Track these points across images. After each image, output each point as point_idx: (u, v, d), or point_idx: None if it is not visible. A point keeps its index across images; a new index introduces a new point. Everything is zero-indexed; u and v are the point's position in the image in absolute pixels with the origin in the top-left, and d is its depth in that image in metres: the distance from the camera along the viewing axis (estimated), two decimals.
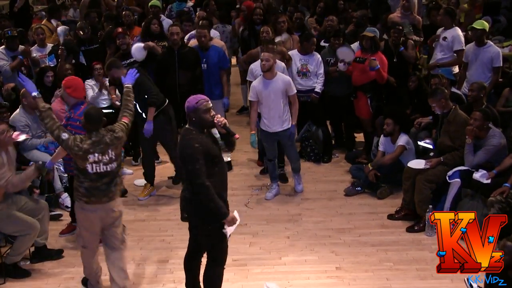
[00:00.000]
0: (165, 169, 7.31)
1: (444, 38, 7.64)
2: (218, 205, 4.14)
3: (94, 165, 4.47)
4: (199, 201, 4.13)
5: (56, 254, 5.48)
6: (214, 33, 8.30)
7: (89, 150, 4.43)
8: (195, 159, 4.05)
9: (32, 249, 5.44)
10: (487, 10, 10.83)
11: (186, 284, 4.68)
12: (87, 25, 8.35)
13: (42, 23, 9.57)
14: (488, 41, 7.35)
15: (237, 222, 4.33)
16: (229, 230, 4.27)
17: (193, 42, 7.64)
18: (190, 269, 4.62)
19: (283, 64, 6.84)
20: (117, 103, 7.15)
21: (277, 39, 7.53)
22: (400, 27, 7.62)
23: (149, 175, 6.81)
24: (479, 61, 7.11)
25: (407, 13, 8.63)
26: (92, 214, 4.56)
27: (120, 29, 7.34)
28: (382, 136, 6.76)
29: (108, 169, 4.52)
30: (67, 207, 6.41)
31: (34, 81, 7.24)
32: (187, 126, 4.24)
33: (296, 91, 6.43)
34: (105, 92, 7.45)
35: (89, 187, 4.50)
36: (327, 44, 7.84)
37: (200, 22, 8.06)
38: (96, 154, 4.44)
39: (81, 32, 8.15)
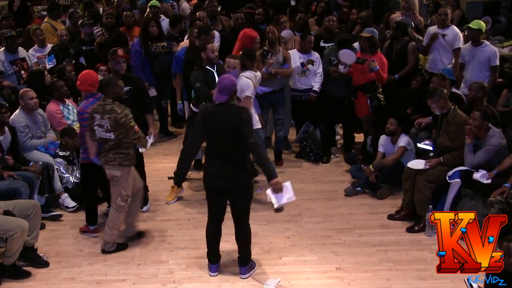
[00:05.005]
0: (164, 170, 7.31)
1: (443, 36, 7.66)
2: (269, 162, 4.94)
3: (99, 128, 5.26)
4: (245, 165, 4.83)
5: (42, 264, 5.34)
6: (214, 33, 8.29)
7: (95, 109, 5.30)
8: (250, 122, 4.80)
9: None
10: (487, 10, 10.85)
11: (211, 255, 5.14)
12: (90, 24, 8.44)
13: (45, 21, 9.57)
14: (484, 40, 7.36)
15: (285, 195, 4.84)
16: (272, 196, 4.85)
17: (184, 43, 7.63)
18: (217, 238, 5.12)
19: (257, 74, 6.64)
20: None
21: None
22: (395, 24, 7.66)
23: (183, 175, 6.53)
24: (476, 60, 7.13)
25: (408, 13, 8.64)
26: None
27: (121, 52, 6.12)
28: (382, 136, 6.76)
29: (107, 137, 5.27)
30: (67, 207, 6.41)
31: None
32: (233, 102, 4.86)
33: (246, 95, 6.10)
34: None
35: (100, 148, 5.45)
36: (326, 45, 7.84)
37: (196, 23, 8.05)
38: (98, 115, 5.23)
39: (81, 28, 8.29)
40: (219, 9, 9.45)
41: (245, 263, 5.10)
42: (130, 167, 5.44)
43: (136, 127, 5.35)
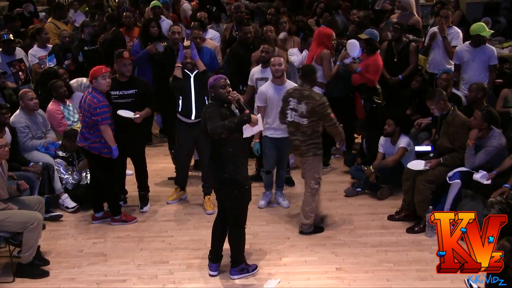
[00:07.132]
0: (165, 170, 7.32)
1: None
2: (236, 120, 4.79)
3: (292, 112, 5.56)
4: (225, 171, 4.81)
5: (43, 261, 5.34)
6: (213, 33, 8.30)
7: (291, 93, 5.62)
8: (212, 117, 4.73)
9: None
10: (487, 10, 10.85)
11: (213, 253, 5.15)
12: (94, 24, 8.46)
13: (48, 20, 9.57)
14: None
15: (259, 125, 5.05)
16: (249, 130, 4.93)
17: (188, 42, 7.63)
18: (220, 237, 5.12)
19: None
20: None
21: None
22: (398, 26, 7.66)
23: (181, 180, 6.73)
24: (477, 61, 7.12)
25: (405, 13, 8.66)
26: None
27: (127, 54, 6.13)
28: (382, 137, 6.76)
29: (301, 122, 5.51)
30: (67, 208, 6.42)
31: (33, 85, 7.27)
32: (210, 101, 5.00)
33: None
34: None
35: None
36: None
37: (192, 23, 8.06)
38: (294, 100, 5.53)
39: (85, 28, 8.35)
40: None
41: (233, 264, 5.11)
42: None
43: (332, 114, 5.51)
